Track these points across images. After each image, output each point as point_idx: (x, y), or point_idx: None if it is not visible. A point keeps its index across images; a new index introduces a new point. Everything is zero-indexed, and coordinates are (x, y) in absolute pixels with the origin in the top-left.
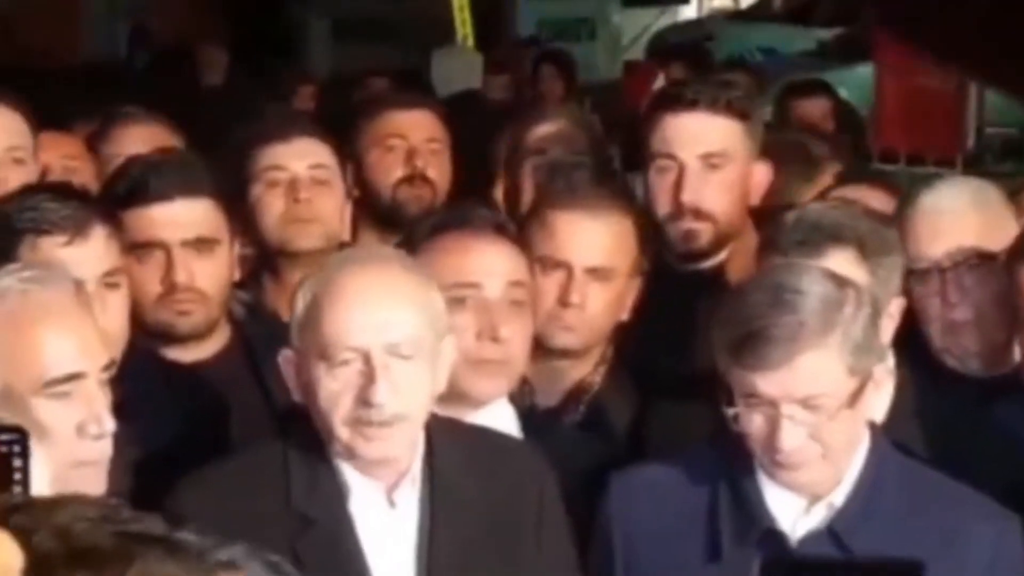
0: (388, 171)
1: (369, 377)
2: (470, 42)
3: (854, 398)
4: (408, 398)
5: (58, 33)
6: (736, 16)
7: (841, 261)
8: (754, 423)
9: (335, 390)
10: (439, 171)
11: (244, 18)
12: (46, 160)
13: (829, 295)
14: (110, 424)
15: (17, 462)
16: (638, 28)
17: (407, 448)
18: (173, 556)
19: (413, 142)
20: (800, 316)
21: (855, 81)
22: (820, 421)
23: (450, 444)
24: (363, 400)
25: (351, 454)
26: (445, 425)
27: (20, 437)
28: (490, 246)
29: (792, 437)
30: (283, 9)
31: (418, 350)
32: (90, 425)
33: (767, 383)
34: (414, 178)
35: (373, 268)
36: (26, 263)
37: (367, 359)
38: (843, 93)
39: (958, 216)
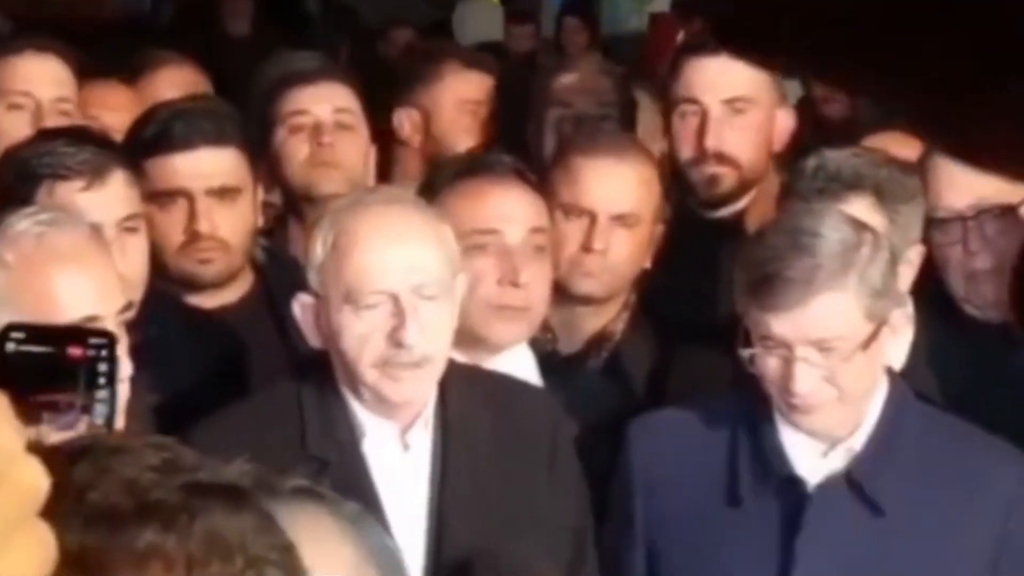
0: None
1: (400, 318)
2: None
3: (869, 342)
4: (435, 338)
5: None
6: None
7: (859, 207)
8: (769, 365)
9: (362, 333)
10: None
11: None
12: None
13: (846, 239)
14: (128, 368)
15: (103, 367)
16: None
17: (431, 388)
18: (237, 508)
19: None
20: (817, 259)
21: None
22: (834, 364)
23: (463, 387)
24: (395, 342)
25: (377, 396)
26: (458, 369)
27: (108, 342)
28: (510, 192)
29: (806, 379)
30: None
31: (442, 290)
32: None
33: (782, 324)
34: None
35: (391, 209)
36: (42, 207)
37: (396, 301)
38: None
39: None
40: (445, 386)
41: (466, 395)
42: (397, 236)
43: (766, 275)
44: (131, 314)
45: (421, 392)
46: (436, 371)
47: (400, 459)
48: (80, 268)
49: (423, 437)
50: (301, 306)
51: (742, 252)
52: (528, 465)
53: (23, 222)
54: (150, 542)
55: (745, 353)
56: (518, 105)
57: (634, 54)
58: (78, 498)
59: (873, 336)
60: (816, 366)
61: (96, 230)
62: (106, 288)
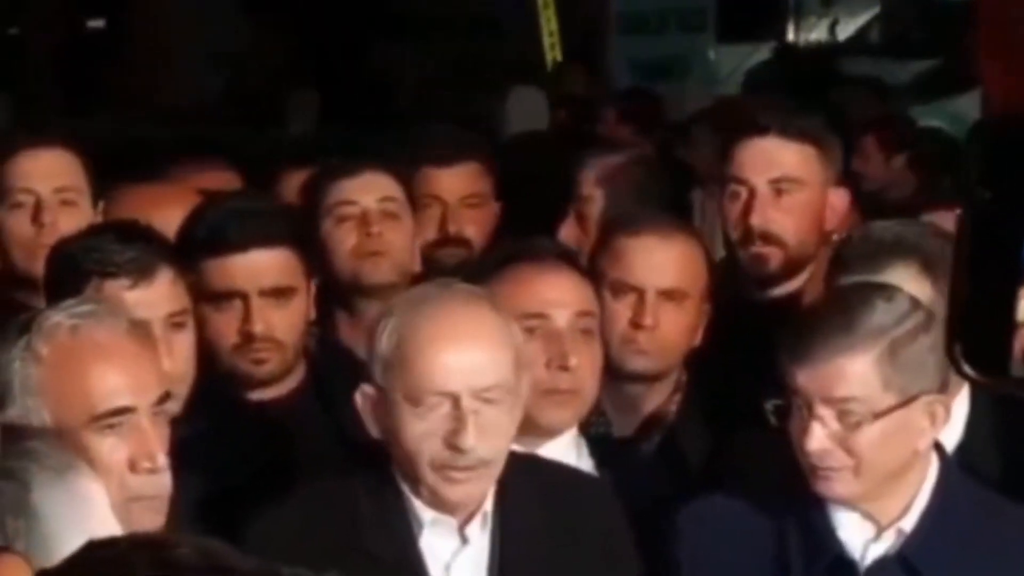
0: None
1: (459, 422)
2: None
3: (887, 413)
4: (494, 442)
5: (153, 79)
6: (832, 49)
7: (904, 276)
8: (792, 423)
9: (421, 433)
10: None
11: (335, 65)
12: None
13: (893, 309)
14: (163, 460)
15: None
16: (735, 63)
17: (489, 488)
18: None
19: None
20: (852, 320)
21: (953, 114)
22: (847, 428)
23: (522, 480)
24: (451, 445)
25: (434, 496)
26: (517, 460)
27: None
28: (557, 276)
29: (817, 439)
30: (373, 54)
31: (504, 393)
32: (142, 460)
33: (805, 378)
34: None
35: (461, 308)
36: (79, 300)
37: (456, 403)
38: (942, 125)
39: None
40: (504, 479)
41: (524, 488)
42: (462, 337)
43: (802, 329)
44: (173, 407)
45: (478, 493)
46: (494, 472)
47: (458, 554)
48: (113, 360)
49: (481, 532)
50: (363, 396)
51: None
52: (585, 558)
53: (59, 315)
54: None
55: (770, 405)
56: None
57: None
58: None
59: (892, 409)
60: (829, 427)
61: (135, 323)
62: (141, 380)
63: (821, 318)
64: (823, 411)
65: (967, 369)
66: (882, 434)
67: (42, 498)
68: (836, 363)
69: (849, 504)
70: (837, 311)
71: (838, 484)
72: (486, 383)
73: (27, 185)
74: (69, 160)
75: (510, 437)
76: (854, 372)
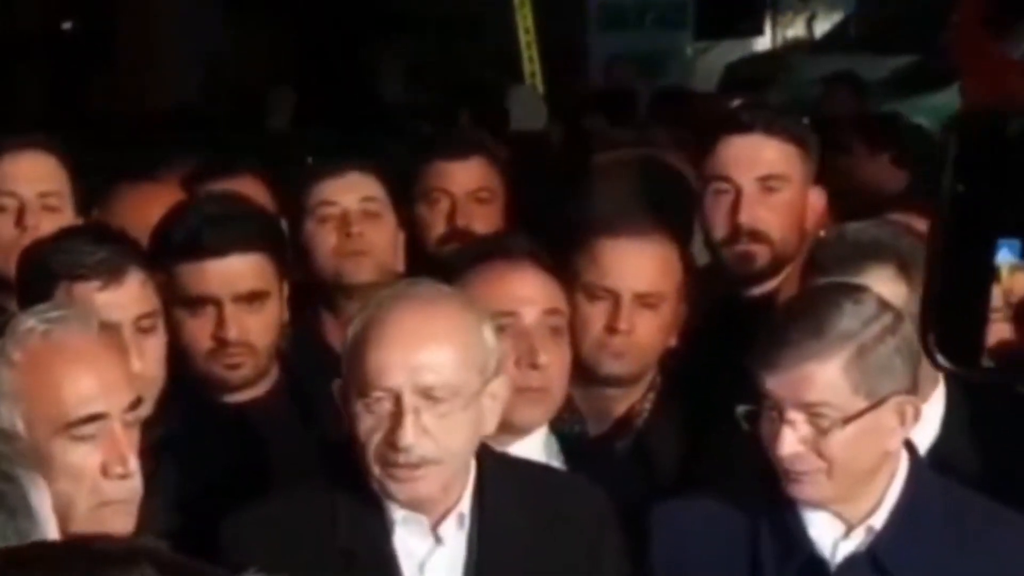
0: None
1: (396, 419)
2: (539, 80)
3: (856, 417)
4: (440, 442)
5: (138, 79)
6: (810, 47)
7: (880, 278)
8: (763, 427)
9: (368, 428)
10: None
11: (320, 61)
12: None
13: (860, 312)
14: (134, 464)
15: None
16: (715, 60)
17: (438, 490)
18: None
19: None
20: (820, 324)
21: (930, 109)
22: (819, 432)
23: (502, 481)
24: (389, 442)
25: (383, 492)
26: (499, 461)
27: None
28: (525, 275)
29: (789, 443)
30: (359, 50)
31: (454, 394)
32: (114, 465)
33: (775, 384)
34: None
35: (418, 307)
36: (52, 304)
37: (397, 400)
38: (920, 121)
39: None
40: (482, 479)
41: (504, 489)
42: (410, 334)
43: (771, 335)
44: (144, 412)
45: (424, 493)
46: (442, 473)
47: (432, 553)
48: (85, 366)
49: (456, 532)
50: (336, 390)
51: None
52: (568, 561)
53: (31, 320)
54: None
55: (741, 409)
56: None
57: None
58: None
59: (863, 412)
60: (800, 431)
61: (105, 327)
62: (113, 385)
63: (789, 322)
64: (794, 415)
65: (940, 359)
66: (853, 437)
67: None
68: (805, 368)
69: (822, 505)
70: (805, 315)
71: (811, 487)
72: (430, 381)
73: (10, 188)
74: (53, 163)
75: (466, 438)
76: (823, 377)
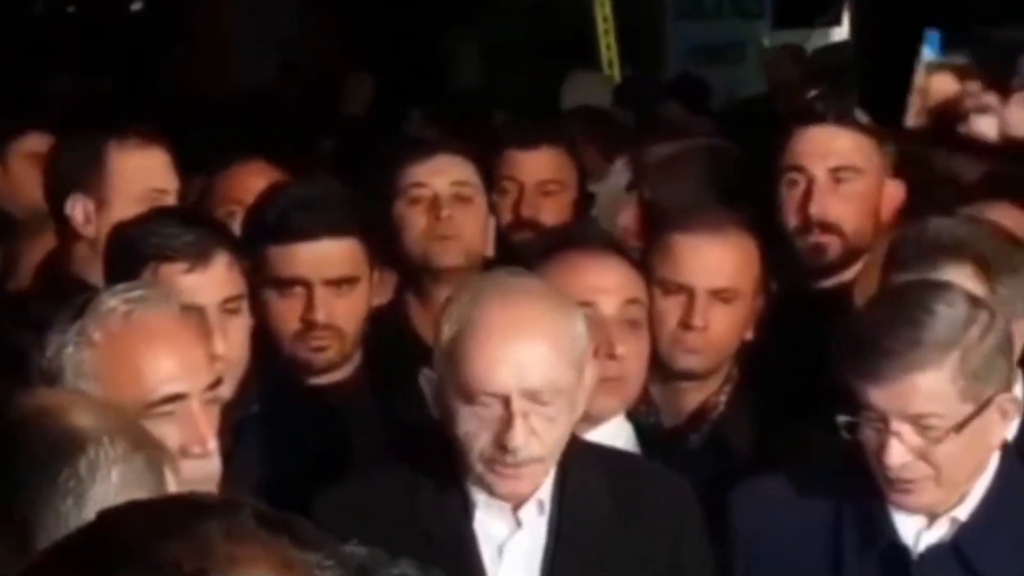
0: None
1: (506, 423)
2: (615, 68)
3: (965, 424)
4: (545, 441)
5: (208, 67)
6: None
7: (958, 276)
8: (866, 436)
9: (472, 428)
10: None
11: (394, 48)
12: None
13: (957, 316)
14: (213, 444)
15: None
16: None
17: (538, 484)
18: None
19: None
20: (920, 333)
21: None
22: (928, 442)
23: (585, 467)
24: (500, 444)
25: (485, 487)
26: (581, 447)
27: None
28: (604, 264)
29: (897, 454)
30: (435, 36)
31: (558, 393)
32: (193, 445)
33: (879, 396)
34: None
35: (516, 305)
36: (133, 284)
37: (506, 403)
38: None
39: None
40: (566, 465)
41: (586, 475)
42: (514, 337)
43: (868, 344)
44: (225, 393)
45: (526, 488)
46: (545, 469)
47: (511, 537)
48: (166, 346)
49: (537, 516)
50: (425, 380)
51: (850, 320)
52: (649, 547)
53: (112, 299)
54: None
55: (842, 420)
56: None
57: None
58: None
59: (971, 418)
60: (909, 442)
61: (186, 307)
62: (193, 365)
63: (885, 331)
64: (900, 426)
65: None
66: (962, 442)
67: None
68: (910, 380)
69: (929, 512)
70: (899, 322)
71: (919, 495)
72: (538, 384)
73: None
74: (165, 160)
75: (566, 432)
76: (929, 387)
